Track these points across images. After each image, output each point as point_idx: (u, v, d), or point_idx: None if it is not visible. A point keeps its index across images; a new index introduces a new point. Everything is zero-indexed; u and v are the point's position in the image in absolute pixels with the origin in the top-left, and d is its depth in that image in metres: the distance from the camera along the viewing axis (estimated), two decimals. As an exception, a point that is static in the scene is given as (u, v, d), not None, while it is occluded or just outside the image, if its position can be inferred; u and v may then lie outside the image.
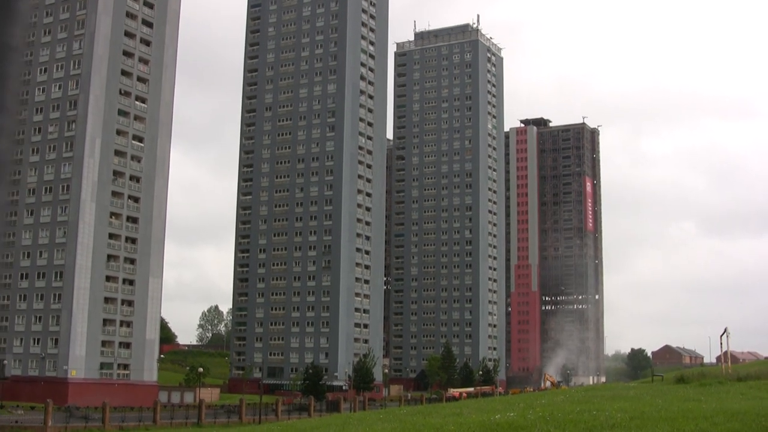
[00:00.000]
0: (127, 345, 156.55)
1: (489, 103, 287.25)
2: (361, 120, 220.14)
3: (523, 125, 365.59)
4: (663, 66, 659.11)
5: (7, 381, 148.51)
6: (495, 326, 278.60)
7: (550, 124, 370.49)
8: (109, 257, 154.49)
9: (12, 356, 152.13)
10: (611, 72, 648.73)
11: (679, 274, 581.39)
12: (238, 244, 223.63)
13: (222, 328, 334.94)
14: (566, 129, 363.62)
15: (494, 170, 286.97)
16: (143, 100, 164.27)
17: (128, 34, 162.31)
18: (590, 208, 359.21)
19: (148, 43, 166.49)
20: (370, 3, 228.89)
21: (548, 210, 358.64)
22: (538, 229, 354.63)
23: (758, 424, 24.05)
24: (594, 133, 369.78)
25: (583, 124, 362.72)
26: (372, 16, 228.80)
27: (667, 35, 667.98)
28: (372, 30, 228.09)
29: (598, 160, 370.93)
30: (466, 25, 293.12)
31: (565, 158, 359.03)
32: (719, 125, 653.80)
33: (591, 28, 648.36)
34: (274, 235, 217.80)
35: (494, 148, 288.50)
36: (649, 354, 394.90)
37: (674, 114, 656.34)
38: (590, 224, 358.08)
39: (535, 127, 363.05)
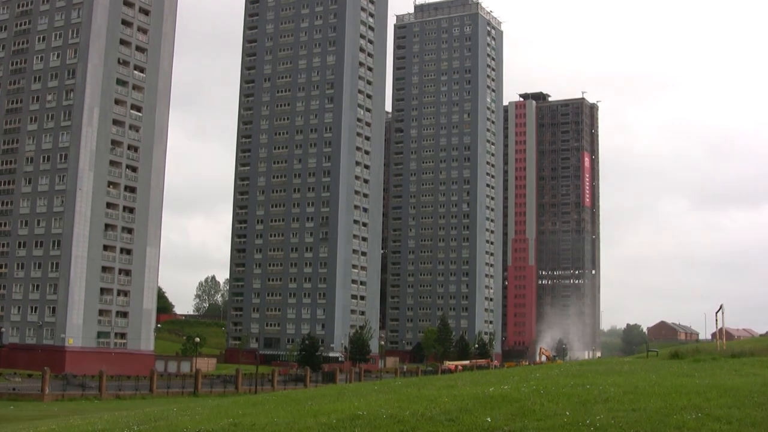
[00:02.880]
0: (125, 314, 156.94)
1: (488, 76, 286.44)
2: (360, 92, 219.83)
3: (522, 99, 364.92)
4: (661, 39, 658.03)
5: (4, 348, 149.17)
6: (491, 300, 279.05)
7: (549, 99, 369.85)
8: (107, 226, 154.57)
9: (9, 324, 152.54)
10: (611, 45, 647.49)
11: (676, 250, 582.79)
12: (235, 214, 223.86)
13: (219, 298, 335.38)
14: (565, 104, 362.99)
15: (492, 144, 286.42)
16: (142, 70, 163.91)
17: (127, 3, 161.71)
18: (588, 183, 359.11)
19: (147, 13, 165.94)
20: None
21: (546, 185, 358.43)
22: (536, 203, 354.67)
23: (751, 400, 24.21)
24: (593, 108, 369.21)
25: (582, 99, 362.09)
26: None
27: (665, 7, 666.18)
28: (372, 2, 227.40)
29: (597, 135, 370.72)
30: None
31: (564, 133, 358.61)
32: (716, 97, 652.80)
33: (592, 1, 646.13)
34: (272, 206, 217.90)
35: (493, 122, 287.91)
36: (645, 329, 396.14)
37: (673, 86, 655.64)
38: (587, 199, 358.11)
39: (534, 102, 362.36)
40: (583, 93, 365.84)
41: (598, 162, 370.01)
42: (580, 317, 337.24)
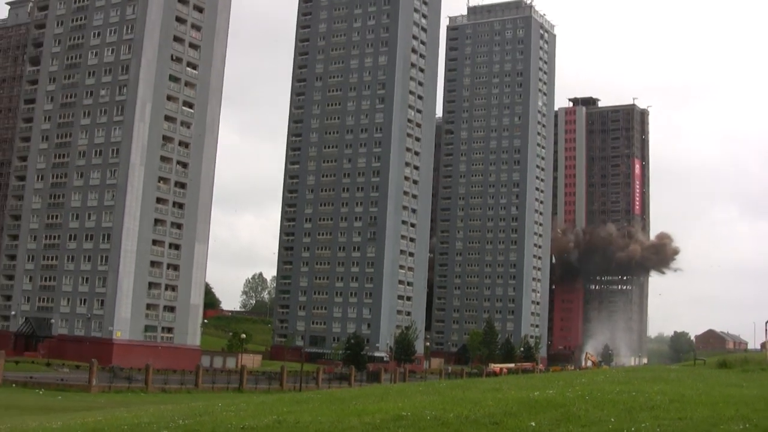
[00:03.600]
0: (172, 309, 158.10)
1: (540, 80, 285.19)
2: (411, 93, 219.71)
3: (572, 105, 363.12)
4: (716, 43, 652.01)
5: (53, 340, 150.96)
6: (538, 303, 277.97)
7: (599, 103, 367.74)
8: (156, 221, 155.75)
9: (59, 316, 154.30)
10: (664, 49, 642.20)
11: (726, 258, 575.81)
12: (284, 212, 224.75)
13: (266, 295, 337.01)
14: (616, 110, 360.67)
15: (543, 148, 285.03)
16: (194, 67, 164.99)
17: (181, 1, 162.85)
18: (638, 191, 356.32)
19: (200, 10, 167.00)
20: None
21: (596, 191, 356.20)
22: (585, 210, 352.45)
23: (799, 411, 23.95)
24: (644, 114, 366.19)
25: (633, 105, 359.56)
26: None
27: (719, 12, 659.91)
28: (425, 3, 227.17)
29: (647, 142, 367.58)
30: (520, 1, 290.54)
31: (614, 140, 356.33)
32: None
33: (644, 4, 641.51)
34: (321, 205, 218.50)
35: (543, 126, 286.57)
36: (692, 337, 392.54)
37: (726, 92, 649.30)
38: (637, 207, 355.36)
39: (584, 108, 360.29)
40: (633, 99, 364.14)
41: (648, 168, 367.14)
42: (627, 323, 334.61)
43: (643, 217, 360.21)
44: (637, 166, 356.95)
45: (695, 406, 25.05)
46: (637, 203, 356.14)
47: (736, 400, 26.37)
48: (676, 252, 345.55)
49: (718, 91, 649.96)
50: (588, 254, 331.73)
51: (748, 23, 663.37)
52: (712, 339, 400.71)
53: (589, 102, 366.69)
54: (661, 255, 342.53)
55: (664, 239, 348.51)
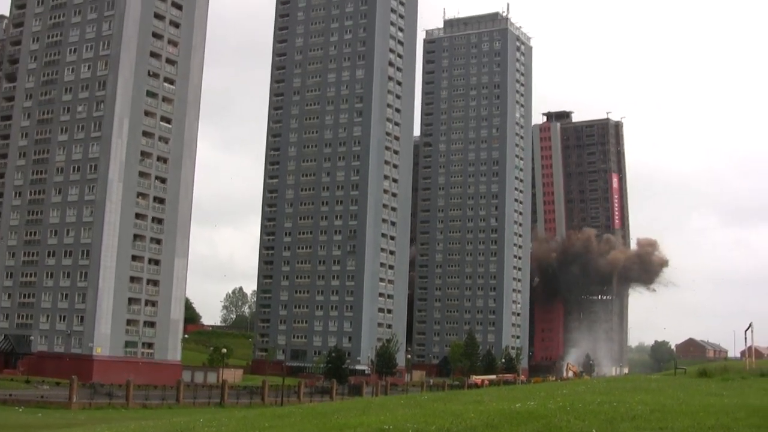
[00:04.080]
0: (152, 324, 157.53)
1: (517, 91, 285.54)
2: (389, 106, 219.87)
3: (546, 119, 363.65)
4: (690, 55, 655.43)
5: (33, 357, 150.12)
6: (519, 315, 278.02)
7: (573, 117, 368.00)
8: (136, 237, 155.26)
9: (38, 332, 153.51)
10: (639, 60, 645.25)
11: (706, 267, 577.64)
12: (263, 226, 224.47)
13: (246, 309, 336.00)
14: (590, 125, 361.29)
15: (521, 159, 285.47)
16: (172, 82, 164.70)
17: (158, 16, 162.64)
18: (617, 205, 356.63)
19: (177, 25, 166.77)
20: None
21: (575, 207, 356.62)
22: (566, 226, 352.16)
23: (780, 419, 24.04)
24: (618, 127, 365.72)
25: (607, 119, 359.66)
26: (401, 3, 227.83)
27: (694, 23, 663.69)
28: (401, 16, 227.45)
29: (623, 154, 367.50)
30: (496, 14, 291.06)
31: (590, 154, 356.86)
32: (746, 115, 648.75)
33: (618, 17, 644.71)
34: (300, 219, 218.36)
35: (521, 137, 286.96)
36: (673, 347, 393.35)
37: (702, 104, 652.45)
38: (617, 221, 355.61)
39: (558, 124, 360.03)
40: (607, 113, 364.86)
41: (625, 181, 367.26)
42: (608, 333, 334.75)
43: (623, 230, 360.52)
44: (615, 180, 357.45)
45: (676, 415, 25.11)
46: (617, 217, 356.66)
47: (717, 409, 26.45)
48: (663, 264, 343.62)
49: (695, 99, 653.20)
50: (568, 263, 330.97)
51: (723, 36, 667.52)
52: (692, 348, 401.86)
53: (563, 116, 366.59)
54: (646, 265, 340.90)
55: (646, 246, 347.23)
